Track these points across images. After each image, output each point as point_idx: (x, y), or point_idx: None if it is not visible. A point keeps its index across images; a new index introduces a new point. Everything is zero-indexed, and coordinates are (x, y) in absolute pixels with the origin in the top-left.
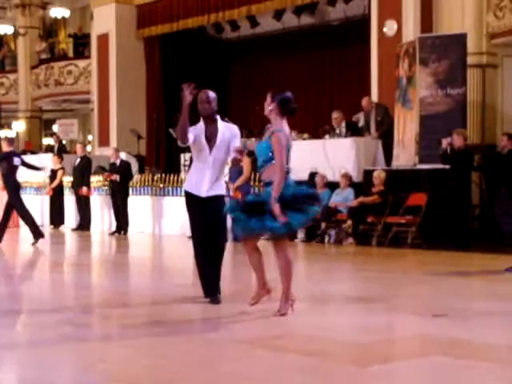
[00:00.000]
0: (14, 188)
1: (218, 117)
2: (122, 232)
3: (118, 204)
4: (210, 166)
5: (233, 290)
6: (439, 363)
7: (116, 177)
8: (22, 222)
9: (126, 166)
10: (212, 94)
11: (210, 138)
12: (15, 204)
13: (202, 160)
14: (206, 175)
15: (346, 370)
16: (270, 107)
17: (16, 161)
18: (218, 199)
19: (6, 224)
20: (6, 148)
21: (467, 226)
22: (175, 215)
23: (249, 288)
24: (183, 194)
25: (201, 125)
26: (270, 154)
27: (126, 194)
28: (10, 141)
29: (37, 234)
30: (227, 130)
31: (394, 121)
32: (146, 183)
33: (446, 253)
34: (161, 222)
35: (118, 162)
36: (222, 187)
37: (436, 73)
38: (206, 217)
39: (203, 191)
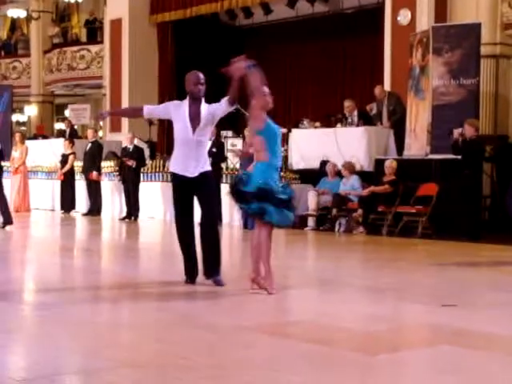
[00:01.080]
0: None
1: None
2: (133, 218)
3: (129, 190)
4: (194, 146)
5: (242, 276)
6: (447, 353)
7: (133, 163)
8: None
9: (139, 151)
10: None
11: (194, 118)
12: None
13: (186, 140)
14: (190, 155)
15: (353, 359)
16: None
17: None
18: (206, 176)
19: (6, 206)
20: None
21: (478, 217)
22: None
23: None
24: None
25: (184, 104)
26: None
27: (138, 180)
28: None
29: (7, 219)
30: (209, 109)
31: (406, 110)
32: (157, 169)
33: (456, 243)
34: (171, 208)
35: (131, 148)
36: (208, 164)
37: (449, 62)
38: (197, 196)
39: (190, 172)
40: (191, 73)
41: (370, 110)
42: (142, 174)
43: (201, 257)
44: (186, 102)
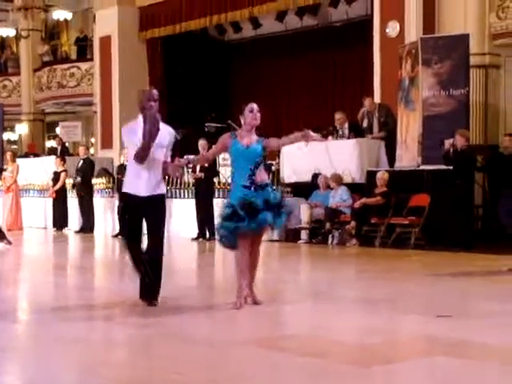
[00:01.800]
0: None
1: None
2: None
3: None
4: (147, 165)
5: (234, 290)
6: (442, 364)
7: None
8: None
9: None
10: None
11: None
12: None
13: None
14: (144, 175)
15: (349, 371)
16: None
17: None
18: (158, 199)
19: None
20: None
21: (470, 227)
22: (178, 217)
23: (257, 290)
24: (191, 195)
25: (138, 122)
26: (261, 158)
27: None
28: None
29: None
30: (164, 130)
31: (396, 121)
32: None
33: (449, 253)
34: (166, 223)
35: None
36: (162, 186)
37: (439, 73)
38: (145, 217)
39: (142, 191)
40: (145, 90)
41: (361, 116)
42: None
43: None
44: (139, 121)
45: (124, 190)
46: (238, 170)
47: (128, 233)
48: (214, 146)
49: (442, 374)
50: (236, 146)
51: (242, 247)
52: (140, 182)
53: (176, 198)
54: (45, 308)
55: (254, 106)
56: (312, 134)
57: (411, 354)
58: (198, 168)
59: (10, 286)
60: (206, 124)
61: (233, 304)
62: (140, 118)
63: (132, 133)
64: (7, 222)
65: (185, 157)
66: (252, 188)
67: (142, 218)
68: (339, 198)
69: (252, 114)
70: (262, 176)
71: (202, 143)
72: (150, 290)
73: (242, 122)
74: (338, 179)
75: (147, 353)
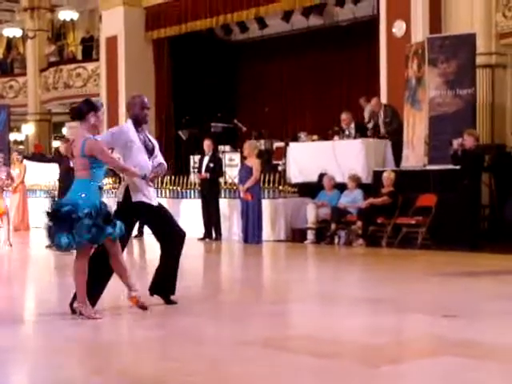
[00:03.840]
0: None
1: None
2: (138, 234)
3: None
4: (149, 173)
5: (246, 292)
6: (449, 364)
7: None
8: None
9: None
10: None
11: (147, 145)
12: None
13: (142, 167)
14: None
15: (356, 371)
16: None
17: None
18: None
19: None
20: None
21: (477, 227)
22: (184, 217)
23: (264, 290)
24: (197, 195)
25: (130, 129)
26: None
27: None
28: None
29: None
30: (152, 138)
31: (402, 122)
32: (157, 185)
33: (455, 253)
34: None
35: None
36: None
37: (445, 73)
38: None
39: (154, 199)
40: (136, 96)
41: (368, 115)
42: None
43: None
44: (130, 127)
45: (141, 199)
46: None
47: (171, 237)
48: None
49: (449, 373)
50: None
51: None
52: (149, 190)
53: (182, 198)
54: (52, 308)
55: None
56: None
57: (418, 353)
58: (203, 168)
59: (17, 286)
60: (212, 124)
61: None
62: (129, 124)
63: (124, 134)
64: (14, 222)
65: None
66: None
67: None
68: (352, 199)
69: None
70: None
71: (207, 143)
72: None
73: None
74: (356, 180)
75: (157, 353)
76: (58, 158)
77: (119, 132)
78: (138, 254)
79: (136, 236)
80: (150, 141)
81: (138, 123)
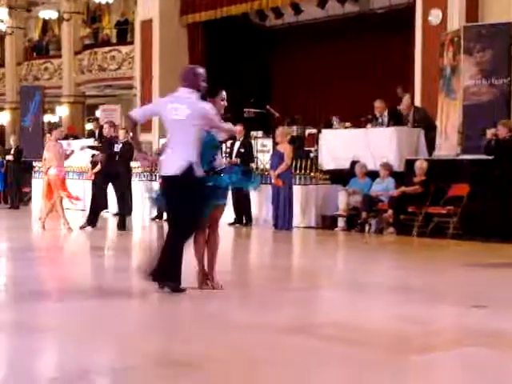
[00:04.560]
0: None
1: None
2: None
3: None
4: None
5: (275, 278)
6: (479, 354)
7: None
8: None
9: None
10: None
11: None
12: None
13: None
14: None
15: (384, 360)
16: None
17: None
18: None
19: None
20: None
21: (509, 217)
22: None
23: (293, 276)
24: None
25: (180, 96)
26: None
27: None
28: None
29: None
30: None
31: (433, 123)
32: None
33: (487, 244)
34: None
35: None
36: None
37: (481, 62)
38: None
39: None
40: (197, 67)
41: (400, 91)
42: None
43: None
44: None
45: (201, 173)
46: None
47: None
48: None
49: (478, 364)
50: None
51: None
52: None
53: None
54: (83, 289)
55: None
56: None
57: (447, 344)
58: (234, 153)
59: (51, 266)
60: (245, 109)
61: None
62: (185, 91)
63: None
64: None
65: None
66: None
67: None
68: (384, 187)
69: (223, 102)
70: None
71: (239, 128)
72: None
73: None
74: (389, 168)
75: (180, 337)
76: (105, 142)
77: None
78: None
79: (155, 218)
80: None
81: (199, 94)
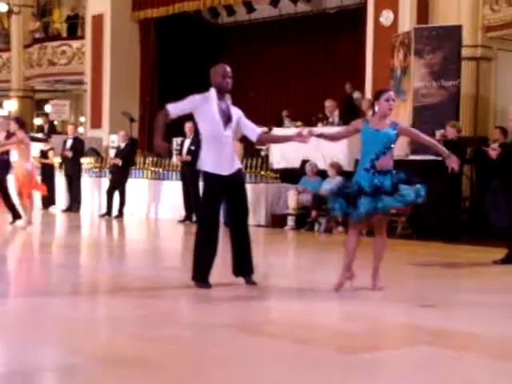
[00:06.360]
0: None
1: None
2: (118, 214)
3: (115, 187)
4: (226, 142)
5: (223, 275)
6: (426, 353)
7: (118, 162)
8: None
9: (131, 150)
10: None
11: (225, 114)
12: None
13: (217, 137)
14: (224, 153)
15: (332, 357)
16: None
17: None
18: (240, 172)
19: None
20: None
21: (457, 218)
22: (167, 199)
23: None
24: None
25: (210, 97)
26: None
27: (126, 178)
28: None
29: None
30: (234, 108)
31: None
32: (138, 166)
33: (435, 244)
34: (154, 205)
35: (122, 146)
36: (238, 160)
37: (430, 64)
38: (229, 195)
39: (227, 169)
40: (218, 65)
41: (349, 88)
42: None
43: (230, 256)
44: (213, 95)
45: (206, 169)
46: (364, 153)
47: (210, 212)
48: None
49: (426, 362)
50: (366, 130)
51: (349, 229)
52: (223, 161)
53: (163, 180)
54: (30, 286)
55: (391, 95)
56: None
57: (395, 342)
58: (184, 151)
59: None
60: None
61: (334, 284)
62: (212, 93)
63: (206, 101)
64: None
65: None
66: (371, 172)
67: (223, 196)
68: (334, 186)
69: (387, 103)
70: (387, 161)
71: (188, 125)
72: (245, 266)
73: (376, 108)
74: (338, 168)
75: (134, 334)
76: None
77: (203, 98)
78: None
79: (104, 214)
80: (229, 110)
81: (221, 92)
